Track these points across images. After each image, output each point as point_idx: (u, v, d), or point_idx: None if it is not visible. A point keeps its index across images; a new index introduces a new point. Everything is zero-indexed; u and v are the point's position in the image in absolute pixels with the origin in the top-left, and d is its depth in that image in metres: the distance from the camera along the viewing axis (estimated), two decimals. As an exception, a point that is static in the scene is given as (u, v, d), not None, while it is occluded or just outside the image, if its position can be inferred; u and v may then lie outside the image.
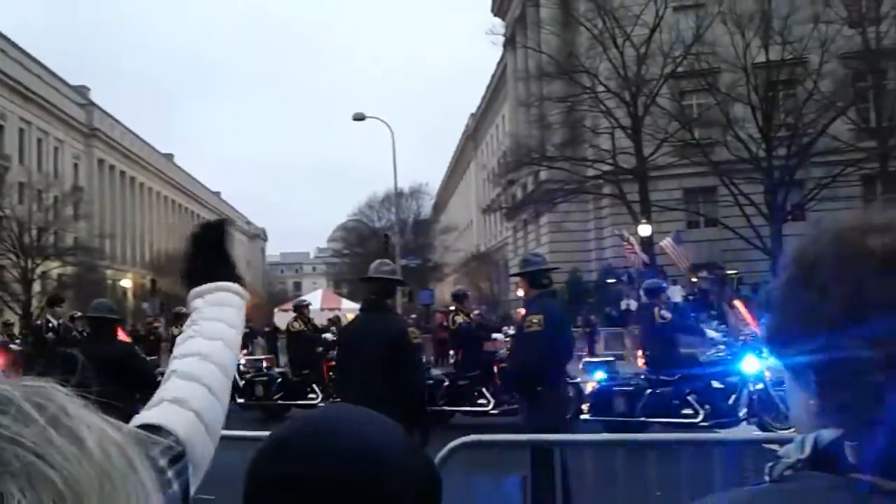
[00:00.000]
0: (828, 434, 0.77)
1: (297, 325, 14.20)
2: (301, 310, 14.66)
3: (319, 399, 13.01)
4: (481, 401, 11.41)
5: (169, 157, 76.60)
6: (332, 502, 0.83)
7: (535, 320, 5.60)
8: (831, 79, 27.06)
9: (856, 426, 0.74)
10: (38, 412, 0.48)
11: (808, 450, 0.77)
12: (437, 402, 11.05)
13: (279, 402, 13.31)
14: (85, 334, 10.60)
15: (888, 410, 0.69)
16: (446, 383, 11.64)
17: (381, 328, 5.17)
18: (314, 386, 13.39)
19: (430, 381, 10.98)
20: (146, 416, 1.14)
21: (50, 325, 13.00)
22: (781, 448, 0.81)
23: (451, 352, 14.72)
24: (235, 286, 1.41)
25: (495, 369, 11.45)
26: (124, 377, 5.06)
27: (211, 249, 1.44)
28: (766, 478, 0.80)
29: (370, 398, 4.85)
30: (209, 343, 1.29)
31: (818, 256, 0.77)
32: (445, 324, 14.55)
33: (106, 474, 0.49)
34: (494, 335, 13.61)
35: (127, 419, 1.11)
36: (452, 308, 12.73)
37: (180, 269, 1.45)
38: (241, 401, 13.14)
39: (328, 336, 15.14)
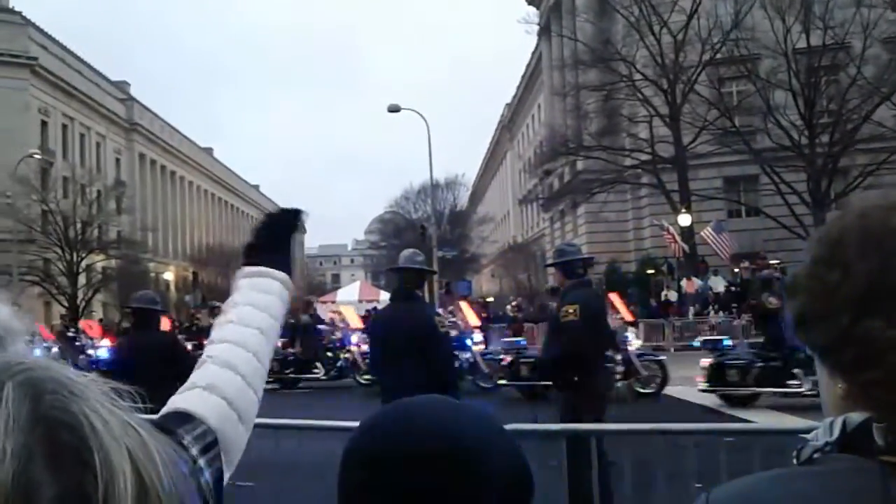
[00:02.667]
0: (856, 416, 0.76)
1: (305, 317, 17.60)
2: (308, 304, 18.45)
3: (322, 373, 17.00)
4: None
5: (208, 151, 77.52)
6: (413, 479, 0.87)
7: (570, 310, 5.54)
8: (875, 64, 26.37)
9: (883, 407, 0.73)
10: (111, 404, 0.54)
11: (836, 433, 0.77)
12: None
13: (290, 375, 16.78)
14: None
15: None
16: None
17: (409, 317, 5.26)
18: (317, 364, 17.10)
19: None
20: (177, 401, 1.14)
21: None
22: (810, 433, 0.81)
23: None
24: (283, 275, 1.40)
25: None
26: (167, 365, 5.17)
27: (277, 234, 1.46)
28: (794, 461, 0.80)
29: (403, 383, 4.95)
30: (247, 330, 1.29)
31: (842, 235, 0.76)
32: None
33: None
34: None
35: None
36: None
37: (244, 245, 1.48)
38: None
39: (324, 327, 18.50)
